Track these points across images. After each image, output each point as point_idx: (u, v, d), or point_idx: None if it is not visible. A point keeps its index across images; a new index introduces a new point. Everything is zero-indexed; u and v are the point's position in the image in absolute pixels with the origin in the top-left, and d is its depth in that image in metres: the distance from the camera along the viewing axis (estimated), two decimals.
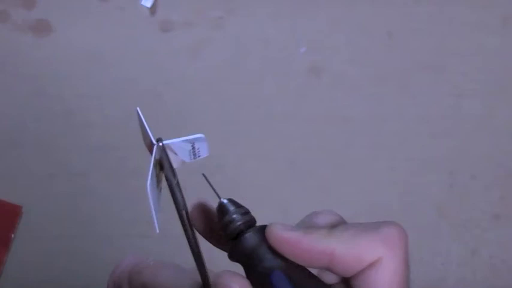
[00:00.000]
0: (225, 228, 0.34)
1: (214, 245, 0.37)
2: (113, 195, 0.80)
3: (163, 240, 0.72)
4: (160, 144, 0.33)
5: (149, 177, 0.32)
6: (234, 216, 0.33)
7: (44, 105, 0.83)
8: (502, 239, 0.80)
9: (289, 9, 0.87)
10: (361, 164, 0.82)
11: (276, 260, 0.32)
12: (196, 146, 0.33)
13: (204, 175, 0.34)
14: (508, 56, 0.86)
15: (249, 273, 0.33)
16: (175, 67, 0.85)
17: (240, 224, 0.33)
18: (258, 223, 0.35)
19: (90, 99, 0.83)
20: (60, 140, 0.82)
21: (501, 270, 0.79)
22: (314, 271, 0.34)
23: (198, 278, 0.37)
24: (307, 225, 0.34)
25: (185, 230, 0.35)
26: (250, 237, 0.33)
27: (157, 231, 0.33)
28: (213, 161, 0.35)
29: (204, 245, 0.36)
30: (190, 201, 0.36)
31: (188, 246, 0.36)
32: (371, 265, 0.32)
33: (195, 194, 0.36)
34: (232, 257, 0.34)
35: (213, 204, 0.36)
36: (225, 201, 0.34)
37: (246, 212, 0.34)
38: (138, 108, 0.33)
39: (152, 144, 0.33)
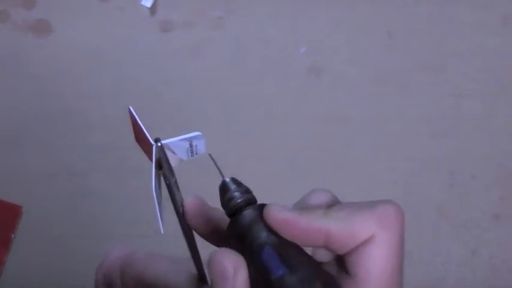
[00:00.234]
0: (226, 205, 0.34)
1: (211, 242, 0.38)
2: (113, 195, 0.80)
3: (163, 240, 0.72)
4: (159, 144, 0.33)
5: (153, 179, 0.32)
6: (235, 194, 0.34)
7: (44, 105, 0.83)
8: (502, 239, 0.80)
9: (289, 9, 0.87)
10: (361, 164, 0.82)
11: (270, 237, 0.33)
12: (194, 143, 0.34)
13: (210, 155, 0.35)
14: (508, 56, 0.86)
15: (243, 250, 0.33)
16: (175, 67, 0.85)
17: (240, 201, 0.34)
18: None
19: (90, 99, 0.83)
20: (60, 140, 0.82)
21: (501, 270, 0.79)
22: (308, 249, 0.34)
23: (192, 269, 0.37)
24: (303, 205, 0.35)
25: (182, 226, 0.36)
26: (248, 214, 0.34)
27: (162, 231, 0.33)
28: (212, 164, 0.35)
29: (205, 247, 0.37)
30: (188, 199, 0.36)
31: (186, 242, 0.36)
32: (364, 242, 0.32)
33: (195, 191, 0.36)
34: (230, 233, 0.34)
35: (210, 203, 0.37)
36: (228, 179, 0.35)
37: (247, 191, 0.35)
38: (130, 107, 0.33)
39: (151, 145, 0.33)
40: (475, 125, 0.83)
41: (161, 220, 0.34)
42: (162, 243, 0.72)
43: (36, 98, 0.83)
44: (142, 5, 0.86)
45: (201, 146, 0.34)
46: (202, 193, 0.37)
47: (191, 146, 0.34)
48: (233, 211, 0.34)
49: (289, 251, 0.32)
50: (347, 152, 0.82)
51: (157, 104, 0.83)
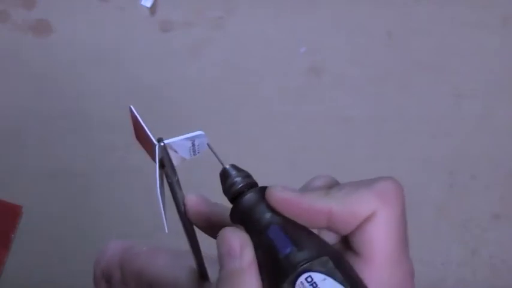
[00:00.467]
0: (228, 191, 0.35)
1: (212, 236, 0.38)
2: (113, 195, 0.80)
3: (163, 239, 0.72)
4: (162, 144, 0.33)
5: (157, 179, 0.32)
6: (236, 179, 0.34)
7: (44, 105, 0.83)
8: (502, 239, 0.80)
9: (289, 9, 0.87)
10: (361, 164, 0.82)
11: (274, 217, 0.33)
12: (196, 142, 0.34)
13: (208, 144, 0.35)
14: (508, 56, 0.86)
15: (249, 232, 0.33)
16: (175, 67, 0.85)
17: (241, 186, 0.34)
18: None
19: (90, 99, 0.83)
20: (60, 140, 0.82)
21: (501, 270, 0.80)
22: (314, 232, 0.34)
23: (192, 263, 0.38)
24: (306, 188, 0.35)
25: (183, 224, 0.36)
26: (250, 197, 0.34)
27: (167, 230, 0.33)
28: (213, 161, 0.35)
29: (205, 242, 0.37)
30: (190, 196, 0.36)
31: (187, 240, 0.37)
32: (366, 219, 0.32)
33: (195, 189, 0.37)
34: (233, 217, 0.34)
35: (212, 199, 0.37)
36: (228, 166, 0.35)
37: (248, 176, 0.35)
38: (131, 107, 0.33)
39: (153, 144, 0.33)
40: (475, 125, 0.83)
41: (165, 219, 0.34)
42: (162, 242, 0.72)
43: (36, 98, 0.83)
44: (142, 5, 0.86)
45: (203, 145, 0.34)
46: (202, 189, 0.37)
47: (193, 145, 0.34)
48: (235, 196, 0.34)
49: (295, 229, 0.32)
50: (347, 152, 0.82)
51: (157, 104, 0.83)
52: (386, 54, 0.86)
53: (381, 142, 0.83)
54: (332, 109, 0.84)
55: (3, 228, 0.78)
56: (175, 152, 0.34)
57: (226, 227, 0.33)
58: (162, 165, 0.34)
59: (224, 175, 0.35)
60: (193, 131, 0.34)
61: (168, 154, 0.33)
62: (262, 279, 0.32)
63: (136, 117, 0.33)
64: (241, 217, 0.34)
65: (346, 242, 0.33)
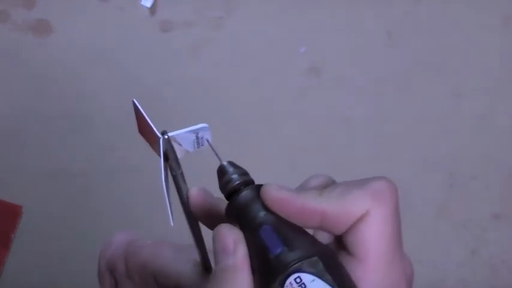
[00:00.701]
0: (224, 187, 0.35)
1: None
2: (113, 195, 0.80)
3: (164, 239, 0.72)
4: (166, 136, 0.33)
5: (162, 172, 0.32)
6: (233, 176, 0.35)
7: (44, 105, 0.83)
8: (502, 239, 0.80)
9: (289, 9, 0.87)
10: (361, 164, 0.82)
11: (268, 216, 0.33)
12: (200, 135, 0.34)
13: (207, 140, 0.35)
14: (508, 56, 0.86)
15: (242, 230, 0.34)
16: (175, 67, 0.85)
17: (237, 183, 0.34)
18: None
19: (90, 99, 0.83)
20: (60, 140, 0.82)
21: (501, 270, 0.79)
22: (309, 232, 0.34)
23: (196, 257, 0.38)
24: (302, 188, 0.35)
25: (187, 216, 0.36)
26: (245, 195, 0.34)
27: (172, 224, 0.33)
28: (212, 161, 0.35)
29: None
30: (193, 189, 0.36)
31: (191, 233, 0.37)
32: (360, 219, 0.32)
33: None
34: (229, 214, 0.34)
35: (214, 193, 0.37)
36: (225, 163, 0.35)
37: (244, 173, 0.35)
38: (134, 100, 0.33)
39: (157, 137, 0.33)
40: (475, 125, 0.83)
41: (170, 212, 0.34)
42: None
43: (36, 98, 0.83)
44: (142, 5, 0.86)
45: (207, 138, 0.35)
46: (205, 183, 0.37)
47: (197, 137, 0.34)
48: (231, 193, 0.34)
49: (287, 229, 0.33)
50: (347, 152, 0.82)
51: (157, 104, 0.83)
52: (387, 54, 0.86)
53: (381, 142, 0.83)
54: (332, 109, 0.84)
55: (3, 228, 0.78)
56: (179, 144, 0.34)
57: (221, 224, 0.33)
58: (166, 158, 0.34)
59: (221, 171, 0.35)
60: (199, 123, 0.34)
61: (172, 147, 0.34)
62: (254, 277, 0.32)
63: (139, 110, 0.33)
64: (236, 214, 0.34)
65: (340, 242, 0.33)
